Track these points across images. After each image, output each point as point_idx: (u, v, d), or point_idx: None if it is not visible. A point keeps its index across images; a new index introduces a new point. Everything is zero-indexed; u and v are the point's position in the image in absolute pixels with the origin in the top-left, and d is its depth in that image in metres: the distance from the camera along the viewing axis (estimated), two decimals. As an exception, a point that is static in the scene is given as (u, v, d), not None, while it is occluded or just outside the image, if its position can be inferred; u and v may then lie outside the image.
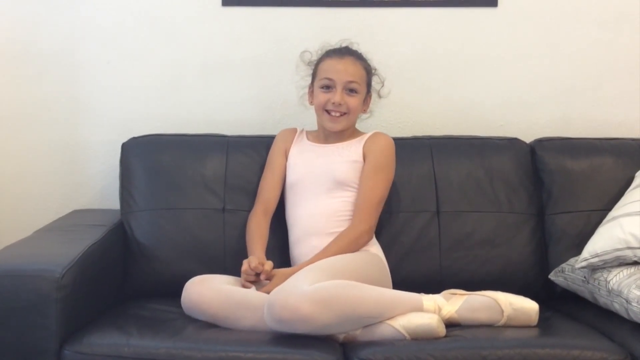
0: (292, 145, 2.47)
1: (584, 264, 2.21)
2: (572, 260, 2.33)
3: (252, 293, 2.12)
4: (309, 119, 2.52)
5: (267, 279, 2.18)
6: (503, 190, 2.48)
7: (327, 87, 2.37)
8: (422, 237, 2.43)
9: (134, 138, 2.56)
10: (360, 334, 2.01)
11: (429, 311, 2.06)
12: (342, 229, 2.30)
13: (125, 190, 2.50)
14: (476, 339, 2.00)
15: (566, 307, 2.32)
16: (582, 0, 2.71)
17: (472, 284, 2.22)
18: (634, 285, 2.04)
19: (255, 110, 2.74)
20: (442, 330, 2.00)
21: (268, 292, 2.04)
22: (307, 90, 2.48)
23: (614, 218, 2.25)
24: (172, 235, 2.41)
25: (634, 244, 2.13)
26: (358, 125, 2.47)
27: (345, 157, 2.38)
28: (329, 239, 2.28)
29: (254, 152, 2.52)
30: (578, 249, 2.30)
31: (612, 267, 2.17)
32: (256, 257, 2.21)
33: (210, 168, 2.49)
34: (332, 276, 2.04)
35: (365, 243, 2.30)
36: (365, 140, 2.40)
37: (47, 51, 2.70)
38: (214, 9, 2.70)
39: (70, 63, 2.71)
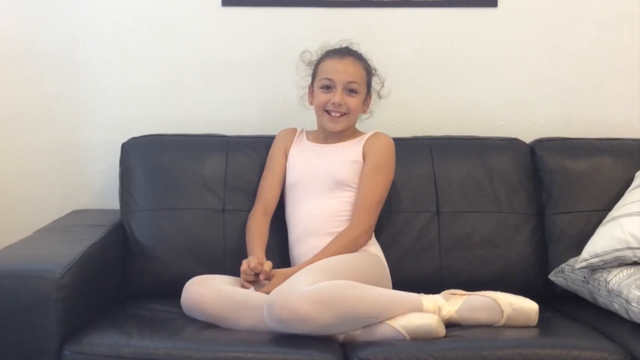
0: (292, 145, 2.47)
1: (583, 264, 2.21)
2: (572, 261, 2.33)
3: (251, 293, 2.12)
4: (309, 119, 2.52)
5: (266, 279, 2.18)
6: (503, 190, 2.48)
7: (327, 88, 2.37)
8: (422, 237, 2.43)
9: (134, 138, 2.56)
10: (360, 334, 2.01)
11: (429, 311, 2.06)
12: (341, 229, 2.30)
13: (125, 191, 2.50)
14: (476, 339, 2.00)
15: (566, 307, 2.32)
16: (582, 0, 2.71)
17: (472, 284, 2.22)
18: (633, 286, 2.04)
19: (255, 110, 2.74)
20: (441, 331, 2.01)
21: (267, 293, 2.04)
22: (307, 90, 2.48)
23: (613, 218, 2.25)
24: (172, 236, 2.41)
25: (634, 244, 2.13)
26: (358, 126, 2.47)
27: (345, 157, 2.38)
28: (329, 239, 2.28)
29: (253, 152, 2.52)
30: (578, 249, 2.30)
31: (612, 267, 2.17)
32: (256, 257, 2.21)
33: (210, 168, 2.49)
34: (332, 276, 2.04)
35: (365, 243, 2.30)
36: (365, 140, 2.40)
37: (47, 51, 2.70)
38: (214, 9, 2.70)
39: (70, 63, 2.71)
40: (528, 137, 2.62)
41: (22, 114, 2.73)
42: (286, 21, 2.71)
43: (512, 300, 2.10)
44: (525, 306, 2.10)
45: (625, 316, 2.07)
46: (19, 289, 1.90)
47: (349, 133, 2.43)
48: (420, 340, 1.98)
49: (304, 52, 2.49)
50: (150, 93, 2.73)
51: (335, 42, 2.45)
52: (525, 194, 2.49)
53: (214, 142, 2.55)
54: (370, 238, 2.33)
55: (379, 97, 2.49)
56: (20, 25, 2.69)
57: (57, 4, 2.68)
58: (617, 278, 2.11)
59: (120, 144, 2.56)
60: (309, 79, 2.47)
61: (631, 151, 2.54)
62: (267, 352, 1.90)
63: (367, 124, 2.54)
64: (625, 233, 2.15)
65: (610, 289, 2.12)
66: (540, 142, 2.59)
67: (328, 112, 2.37)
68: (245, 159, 2.51)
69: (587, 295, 2.26)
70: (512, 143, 2.58)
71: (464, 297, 2.12)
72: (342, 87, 2.35)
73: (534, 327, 2.10)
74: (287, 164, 2.44)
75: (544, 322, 2.13)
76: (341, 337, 2.01)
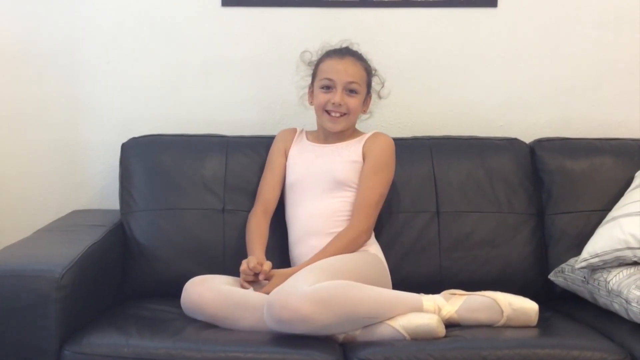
0: (292, 145, 2.47)
1: (583, 264, 2.21)
2: (571, 261, 2.33)
3: (251, 293, 2.12)
4: (309, 119, 2.52)
5: (265, 279, 2.18)
6: (503, 190, 2.48)
7: (327, 88, 2.37)
8: (422, 238, 2.43)
9: (134, 138, 2.56)
10: (360, 334, 2.01)
11: (429, 311, 2.06)
12: (341, 229, 2.30)
13: (125, 191, 2.50)
14: (476, 339, 2.00)
15: (566, 307, 2.32)
16: (582, 0, 2.71)
17: (471, 284, 2.23)
18: (633, 286, 2.04)
19: (255, 110, 2.74)
20: (441, 331, 2.01)
21: (267, 293, 2.04)
22: (307, 90, 2.48)
23: (613, 218, 2.25)
24: (172, 236, 2.41)
25: (634, 244, 2.13)
26: (358, 126, 2.47)
27: (345, 157, 2.38)
28: (329, 239, 2.27)
29: (253, 152, 2.52)
30: (578, 249, 2.30)
31: (612, 267, 2.17)
32: (255, 257, 2.21)
33: (210, 168, 2.49)
34: (331, 276, 2.04)
35: (364, 243, 2.30)
36: (365, 140, 2.40)
37: (47, 51, 2.70)
38: (214, 9, 2.70)
39: (70, 63, 2.71)
40: (528, 137, 2.62)
41: (22, 114, 2.73)
42: (286, 21, 2.71)
43: (512, 300, 2.10)
44: (525, 306, 2.10)
45: (625, 316, 2.07)
46: (19, 289, 1.90)
47: (348, 133, 2.43)
48: (420, 340, 1.98)
49: (304, 52, 2.49)
50: (150, 93, 2.73)
51: (335, 42, 2.45)
52: (525, 194, 2.49)
53: (214, 142, 2.55)
54: (369, 238, 2.33)
55: (379, 97, 2.49)
56: (20, 25, 2.69)
57: (57, 4, 2.68)
58: (617, 278, 2.11)
59: (120, 144, 2.56)
60: (309, 79, 2.47)
61: (631, 151, 2.54)
62: (266, 352, 1.90)
63: (367, 124, 2.54)
64: (625, 233, 2.15)
65: (610, 289, 2.12)
66: (540, 142, 2.59)
67: (328, 112, 2.37)
68: (245, 159, 2.51)
69: (587, 295, 2.26)
70: (512, 143, 2.58)
71: (464, 297, 2.12)
72: (342, 87, 2.35)
73: (534, 327, 2.10)
74: (287, 164, 2.44)
75: (543, 322, 2.13)
76: (341, 337, 2.01)
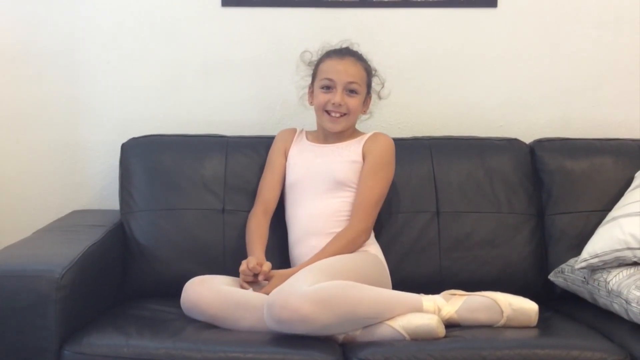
0: (292, 145, 2.47)
1: (583, 264, 2.21)
2: (571, 261, 2.33)
3: (251, 294, 2.12)
4: (309, 119, 2.52)
5: (265, 280, 2.18)
6: (503, 190, 2.48)
7: (327, 88, 2.37)
8: (421, 238, 2.43)
9: (134, 138, 2.56)
10: (360, 335, 2.01)
11: (429, 312, 2.06)
12: (341, 229, 2.30)
13: (124, 191, 2.50)
14: (476, 339, 2.00)
15: (566, 307, 2.32)
16: (582, 0, 2.71)
17: (471, 285, 2.23)
18: (633, 286, 2.03)
19: (255, 110, 2.74)
20: (441, 331, 2.01)
21: (267, 294, 2.04)
22: (307, 90, 2.48)
23: (613, 219, 2.25)
24: (172, 236, 2.41)
25: (634, 244, 2.13)
26: (358, 126, 2.47)
27: (345, 157, 2.38)
28: (329, 239, 2.27)
29: (253, 152, 2.52)
30: (578, 249, 2.30)
31: (612, 267, 2.17)
32: (255, 258, 2.21)
33: (210, 168, 2.49)
34: (331, 277, 2.04)
35: (363, 243, 2.30)
36: (365, 140, 2.40)
37: (47, 51, 2.70)
38: (214, 9, 2.70)
39: (70, 63, 2.71)
40: (528, 138, 2.62)
41: (22, 114, 2.73)
42: (286, 21, 2.71)
43: (512, 301, 2.10)
44: (525, 306, 2.10)
45: (625, 316, 2.07)
46: (19, 289, 1.90)
47: (348, 133, 2.43)
48: (420, 341, 1.98)
49: (304, 52, 2.49)
50: (150, 93, 2.73)
51: (335, 42, 2.45)
52: (525, 194, 2.49)
53: (214, 143, 2.55)
54: (368, 238, 2.33)
55: (379, 97, 2.49)
56: (20, 25, 2.69)
57: (57, 4, 2.68)
58: (617, 278, 2.11)
59: (120, 144, 2.56)
60: (309, 79, 2.47)
61: (631, 151, 2.54)
62: (266, 353, 1.90)
63: (367, 124, 2.54)
64: (625, 233, 2.15)
65: (610, 289, 2.12)
66: (540, 142, 2.59)
67: (328, 112, 2.37)
68: (245, 159, 2.51)
69: (586, 296, 2.26)
70: (512, 143, 2.58)
71: (464, 298, 2.12)
72: (342, 87, 2.35)
73: (534, 327, 2.10)
74: (287, 164, 2.44)
75: (543, 322, 2.13)
76: (341, 337, 2.01)
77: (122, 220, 2.46)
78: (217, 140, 2.57)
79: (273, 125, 2.69)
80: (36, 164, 2.75)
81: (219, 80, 2.73)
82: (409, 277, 2.38)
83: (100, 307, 2.19)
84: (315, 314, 1.90)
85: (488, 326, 2.09)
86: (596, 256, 2.18)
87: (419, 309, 2.06)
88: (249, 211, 2.41)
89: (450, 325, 2.07)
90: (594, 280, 2.19)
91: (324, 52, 2.44)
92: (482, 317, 2.09)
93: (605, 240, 2.19)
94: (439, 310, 2.08)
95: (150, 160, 2.50)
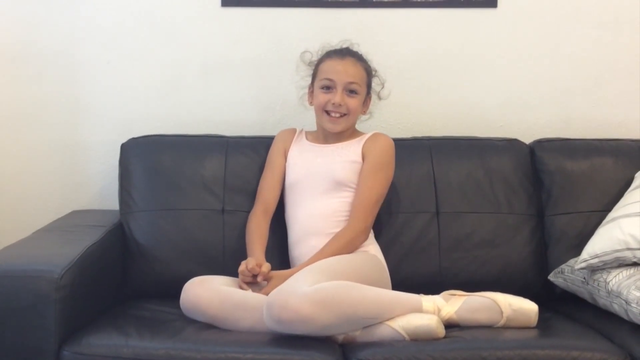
0: (292, 145, 2.47)
1: (583, 265, 2.21)
2: (571, 261, 2.32)
3: (251, 294, 2.12)
4: (309, 119, 2.52)
5: (264, 281, 2.17)
6: (502, 191, 2.48)
7: (327, 88, 2.37)
8: (421, 238, 2.43)
9: (134, 138, 2.56)
10: (360, 335, 2.01)
11: (428, 312, 2.06)
12: (341, 229, 2.30)
13: (124, 191, 2.50)
14: (475, 339, 2.00)
15: (566, 308, 2.32)
16: (582, 0, 2.71)
17: (471, 285, 2.23)
18: (633, 287, 2.03)
19: (255, 110, 2.74)
20: (441, 331, 2.01)
21: (266, 294, 2.04)
22: (307, 90, 2.48)
23: (613, 219, 2.25)
24: (172, 236, 2.41)
25: (634, 245, 2.13)
26: (358, 126, 2.47)
27: (345, 158, 2.37)
28: (328, 239, 2.27)
29: (253, 152, 2.52)
30: (577, 249, 2.30)
31: (612, 268, 2.17)
32: (254, 258, 2.21)
33: (210, 169, 2.49)
34: (331, 277, 2.04)
35: (362, 243, 2.30)
36: (364, 140, 2.40)
37: (47, 51, 2.70)
38: (214, 9, 2.70)
39: (70, 63, 2.71)
40: (528, 138, 2.62)
41: (22, 114, 2.73)
42: (286, 21, 2.71)
43: (512, 301, 2.10)
44: (524, 307, 2.10)
45: (625, 317, 2.07)
46: (18, 289, 1.90)
47: (348, 133, 2.43)
48: (419, 341, 1.98)
49: (304, 52, 2.48)
50: (150, 93, 2.73)
51: (335, 42, 2.45)
52: (525, 194, 2.49)
53: (214, 143, 2.55)
54: (367, 238, 2.33)
55: (379, 98, 2.49)
56: (20, 25, 2.69)
57: (57, 4, 2.68)
58: (617, 279, 2.11)
59: (120, 144, 2.56)
60: (309, 79, 2.47)
61: (631, 151, 2.54)
62: (266, 353, 1.90)
63: (367, 125, 2.54)
64: (625, 234, 2.15)
65: (609, 289, 2.11)
66: (540, 142, 2.59)
67: (328, 112, 2.37)
68: (245, 160, 2.51)
69: (586, 296, 2.26)
70: (512, 144, 2.57)
71: (464, 298, 2.12)
72: (342, 87, 2.35)
73: (534, 327, 2.10)
74: (287, 164, 2.44)
75: (543, 322, 2.13)
76: (341, 337, 2.01)
77: (121, 220, 2.46)
78: (217, 140, 2.56)
79: (273, 125, 2.69)
80: (36, 164, 2.75)
81: (219, 80, 2.73)
82: (409, 278, 2.37)
83: (100, 307, 2.19)
84: (315, 315, 1.90)
85: (488, 326, 2.09)
86: (596, 256, 2.17)
87: (419, 310, 2.06)
88: (248, 211, 2.41)
89: (450, 325, 2.07)
90: (594, 280, 2.19)
91: (324, 52, 2.44)
92: (482, 317, 2.09)
93: (605, 240, 2.18)
94: (439, 310, 2.09)
95: (150, 161, 2.50)
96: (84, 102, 2.73)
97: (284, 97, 2.70)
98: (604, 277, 2.16)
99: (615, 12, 2.72)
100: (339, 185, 2.34)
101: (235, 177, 2.48)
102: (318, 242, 2.27)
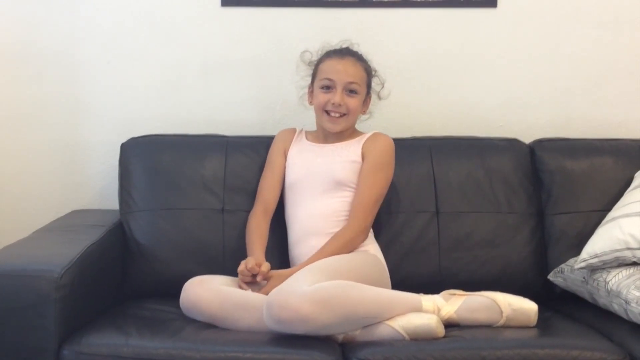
0: (292, 145, 2.47)
1: (583, 264, 2.21)
2: (571, 261, 2.33)
3: (250, 294, 2.12)
4: (309, 119, 2.52)
5: (264, 280, 2.17)
6: (502, 190, 2.48)
7: (327, 88, 2.37)
8: (421, 238, 2.43)
9: (134, 138, 2.56)
10: (360, 335, 2.01)
11: (428, 311, 2.06)
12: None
13: (124, 191, 2.50)
14: (475, 339, 2.00)
15: (565, 307, 2.32)
16: (582, 0, 2.71)
17: (471, 285, 2.23)
18: (633, 286, 2.03)
19: (255, 110, 2.74)
20: (441, 331, 2.01)
21: (266, 294, 2.04)
22: (307, 90, 2.48)
23: (613, 219, 2.25)
24: (172, 236, 2.41)
25: (633, 244, 2.13)
26: (358, 126, 2.47)
27: (345, 157, 2.38)
28: (328, 239, 2.27)
29: (253, 152, 2.52)
30: (577, 249, 2.30)
31: (611, 267, 2.17)
32: (254, 258, 2.21)
33: (210, 168, 2.49)
34: (331, 277, 2.04)
35: (361, 242, 2.30)
36: (364, 140, 2.40)
37: (47, 51, 2.70)
38: (214, 9, 2.70)
39: (70, 63, 2.71)
40: (528, 138, 2.62)
41: (22, 114, 2.73)
42: (286, 21, 2.71)
43: (512, 301, 2.10)
44: (524, 306, 2.10)
45: (625, 316, 2.07)
46: (18, 289, 1.90)
47: (348, 133, 2.43)
48: (419, 341, 1.98)
49: (304, 52, 2.48)
50: (150, 93, 2.73)
51: (335, 42, 2.45)
52: (524, 194, 2.49)
53: (214, 143, 2.55)
54: (366, 238, 2.33)
55: (379, 98, 2.49)
56: (20, 25, 2.70)
57: (57, 4, 2.69)
58: (617, 278, 2.11)
59: (120, 144, 2.56)
60: (309, 79, 2.47)
61: (631, 151, 2.54)
62: (266, 352, 1.90)
63: (367, 124, 2.54)
64: (625, 233, 2.15)
65: (609, 289, 2.11)
66: (540, 142, 2.59)
67: (328, 112, 2.37)
68: (245, 159, 2.51)
69: (586, 296, 2.26)
70: (512, 143, 2.58)
71: (463, 298, 2.12)
72: (342, 87, 2.35)
73: (533, 327, 2.10)
74: (287, 164, 2.44)
75: (543, 322, 2.13)
76: (340, 337, 2.01)
77: (121, 220, 2.46)
78: (217, 140, 2.57)
79: (273, 125, 2.69)
80: (36, 164, 2.75)
81: (219, 80, 2.73)
82: (409, 277, 2.38)
83: (100, 307, 2.19)
84: (315, 314, 1.90)
85: (487, 326, 2.09)
86: (596, 256, 2.18)
87: (419, 309, 2.06)
88: (248, 211, 2.41)
89: (450, 325, 2.07)
90: (594, 280, 2.19)
91: (324, 52, 2.44)
92: (482, 317, 2.09)
93: (604, 240, 2.19)
94: (439, 310, 2.09)
95: (150, 160, 2.50)
96: (84, 102, 2.73)
97: (284, 97, 2.71)
98: (604, 276, 2.16)
99: (615, 12, 2.72)
100: (338, 185, 2.34)
101: (235, 177, 2.48)
102: (318, 242, 2.27)
